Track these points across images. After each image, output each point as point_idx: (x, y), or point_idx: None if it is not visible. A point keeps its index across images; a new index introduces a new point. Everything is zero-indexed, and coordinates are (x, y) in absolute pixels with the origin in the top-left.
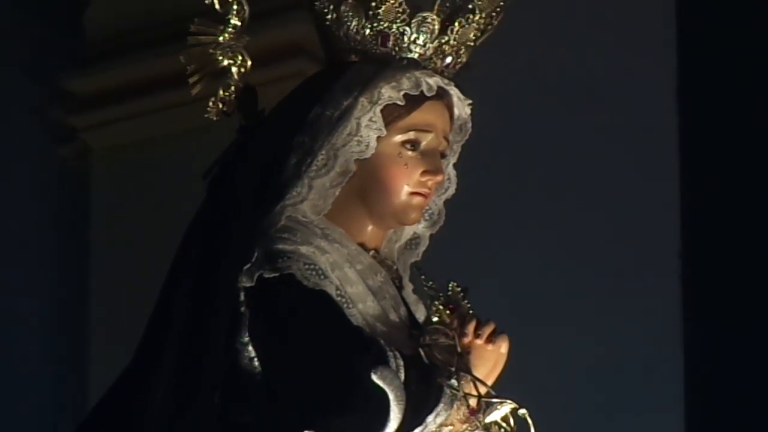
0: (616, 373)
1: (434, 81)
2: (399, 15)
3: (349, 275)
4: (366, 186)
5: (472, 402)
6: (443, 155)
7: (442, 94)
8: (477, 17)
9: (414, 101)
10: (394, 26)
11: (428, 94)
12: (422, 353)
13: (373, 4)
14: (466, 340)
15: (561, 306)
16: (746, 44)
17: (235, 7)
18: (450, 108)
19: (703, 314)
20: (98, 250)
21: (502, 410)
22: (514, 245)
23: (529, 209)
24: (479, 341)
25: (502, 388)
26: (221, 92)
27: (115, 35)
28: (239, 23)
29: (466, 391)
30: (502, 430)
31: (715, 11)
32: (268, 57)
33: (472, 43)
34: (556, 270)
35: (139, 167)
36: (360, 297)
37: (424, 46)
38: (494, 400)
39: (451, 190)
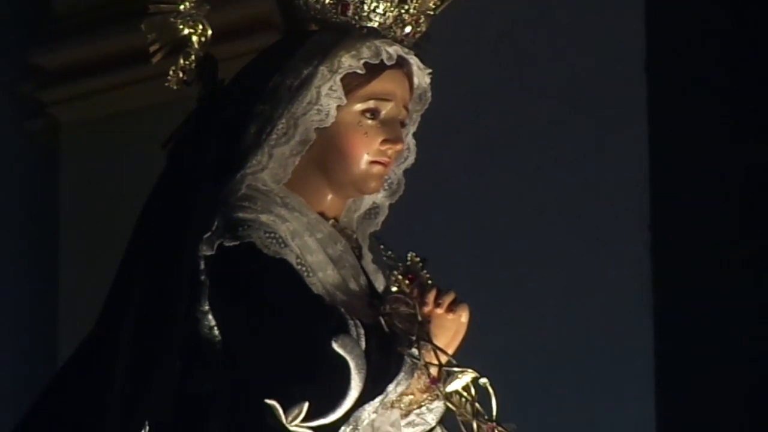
0: (586, 350)
1: (394, 50)
2: None
3: (309, 244)
4: (326, 155)
5: (433, 371)
6: (403, 124)
7: (401, 63)
8: None
9: (374, 70)
10: None
11: (388, 63)
12: (383, 322)
13: None
14: (427, 309)
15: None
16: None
17: None
18: (410, 77)
19: (674, 288)
20: (68, 224)
21: (463, 379)
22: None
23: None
24: (439, 310)
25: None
26: (182, 61)
27: (84, 9)
28: None
29: (427, 360)
30: (463, 399)
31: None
32: (236, 31)
33: (432, 12)
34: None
35: (108, 141)
36: (320, 265)
37: (384, 14)
38: (455, 369)
39: (411, 160)
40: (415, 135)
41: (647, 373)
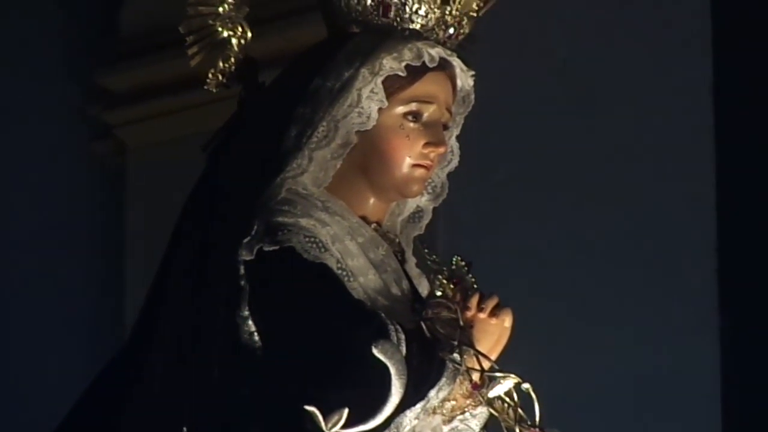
0: (650, 372)
1: (436, 52)
2: None
3: (350, 248)
4: (367, 158)
5: (475, 376)
6: (446, 127)
7: (444, 65)
8: None
9: (416, 72)
10: None
11: (430, 65)
12: (424, 327)
13: None
14: (469, 313)
15: (593, 303)
16: None
17: None
18: (453, 79)
19: (739, 312)
20: (133, 247)
21: (505, 385)
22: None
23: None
24: (482, 315)
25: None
26: (221, 64)
27: (150, 32)
28: None
29: (469, 365)
30: (506, 404)
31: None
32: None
33: (474, 14)
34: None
35: (174, 163)
36: (361, 270)
37: (426, 16)
38: (497, 374)
39: (454, 163)
40: (459, 138)
41: (714, 394)
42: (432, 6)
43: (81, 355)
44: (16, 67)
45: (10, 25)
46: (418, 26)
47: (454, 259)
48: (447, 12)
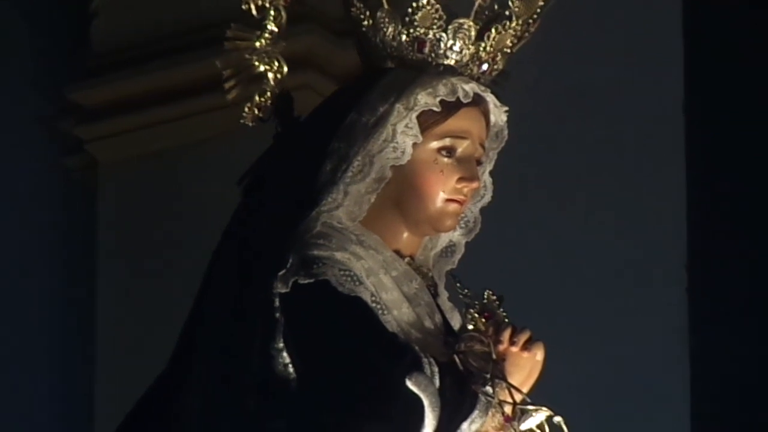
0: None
1: (470, 87)
2: (435, 21)
3: (384, 282)
4: (401, 192)
5: (507, 409)
6: (479, 162)
7: (478, 101)
8: (514, 24)
9: (450, 108)
10: (431, 32)
11: (464, 101)
12: (457, 360)
13: (410, 10)
14: (502, 347)
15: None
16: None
17: (272, 12)
18: (486, 115)
19: (709, 322)
20: (105, 262)
21: (537, 417)
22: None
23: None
24: (515, 348)
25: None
26: (257, 98)
27: (122, 47)
28: (276, 29)
29: (501, 398)
30: None
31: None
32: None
33: (508, 50)
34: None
35: (146, 179)
36: (395, 303)
37: (461, 52)
38: (529, 407)
39: (487, 198)
40: (491, 173)
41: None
42: (466, 42)
43: (53, 374)
44: None
45: None
46: (452, 62)
47: (486, 293)
48: (481, 48)
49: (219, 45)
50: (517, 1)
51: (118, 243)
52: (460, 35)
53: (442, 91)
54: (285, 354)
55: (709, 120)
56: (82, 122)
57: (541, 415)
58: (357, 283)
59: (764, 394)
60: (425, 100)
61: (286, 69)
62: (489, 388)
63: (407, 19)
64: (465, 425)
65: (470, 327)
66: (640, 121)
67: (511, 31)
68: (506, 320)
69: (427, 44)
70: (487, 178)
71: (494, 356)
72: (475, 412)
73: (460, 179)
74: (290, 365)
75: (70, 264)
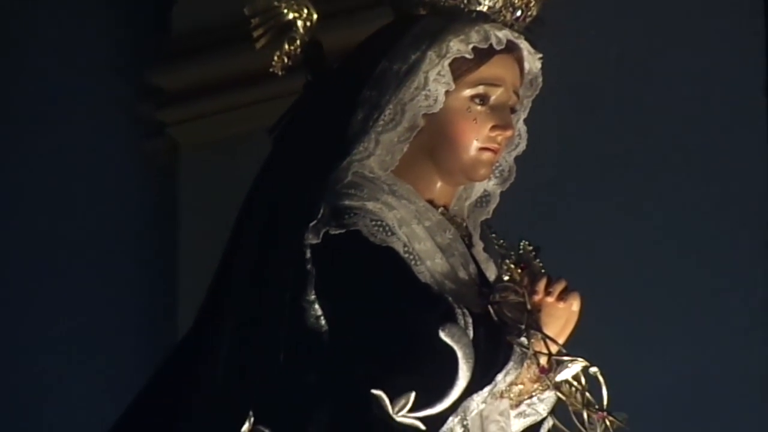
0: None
1: (503, 34)
2: None
3: (417, 232)
4: (434, 141)
5: (543, 360)
6: (513, 110)
7: (511, 48)
8: None
9: (483, 55)
10: None
11: (497, 48)
12: (491, 311)
13: None
14: (537, 297)
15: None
16: None
17: None
18: (520, 62)
19: None
20: (186, 245)
21: (573, 368)
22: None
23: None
24: (550, 299)
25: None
26: (286, 46)
27: (203, 30)
28: None
29: (537, 349)
30: (573, 388)
31: None
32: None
33: None
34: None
35: (226, 163)
36: (428, 254)
37: None
38: (565, 358)
39: (522, 146)
40: (526, 121)
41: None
42: None
43: (135, 355)
44: (68, 66)
45: (62, 24)
46: (485, 8)
47: (522, 243)
48: None
49: None
50: None
51: (200, 226)
52: None
53: (475, 38)
54: (316, 306)
55: None
56: (163, 106)
57: (576, 366)
58: (389, 233)
59: None
60: (457, 47)
61: (315, 16)
62: (524, 339)
63: None
64: (500, 377)
65: (505, 278)
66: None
67: None
68: (542, 271)
69: None
70: (521, 126)
71: (529, 307)
72: (510, 364)
73: (494, 127)
74: (322, 317)
75: (152, 248)
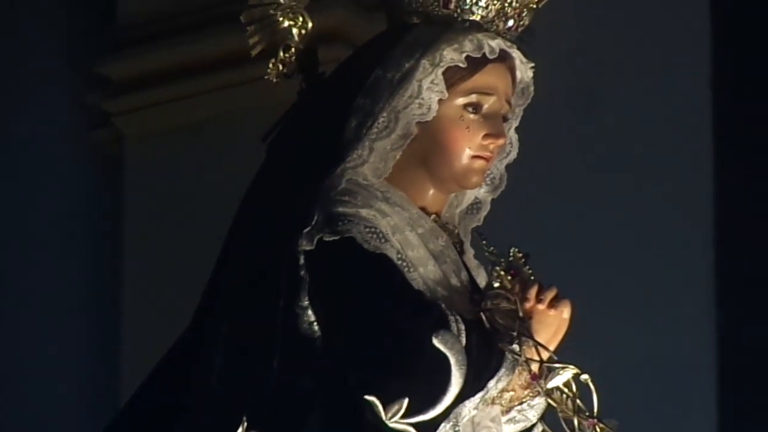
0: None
1: (496, 43)
2: None
3: (410, 239)
4: (427, 149)
5: (534, 367)
6: (505, 119)
7: (504, 57)
8: None
9: (476, 64)
10: None
11: (490, 57)
12: (483, 318)
13: None
14: (528, 305)
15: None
16: None
17: None
18: (512, 71)
19: (736, 302)
20: (131, 235)
21: (564, 375)
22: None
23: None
24: (541, 306)
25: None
26: (282, 54)
27: (149, 21)
28: None
29: (528, 356)
30: (564, 395)
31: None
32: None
33: (534, 6)
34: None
35: (172, 153)
36: (421, 261)
37: (487, 7)
38: (556, 365)
39: (513, 154)
40: (517, 129)
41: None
42: None
43: (79, 342)
44: (14, 57)
45: (8, 14)
46: (478, 17)
47: (512, 250)
48: (507, 3)
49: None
50: None
51: (145, 216)
52: None
53: (468, 46)
54: (310, 312)
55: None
56: (109, 96)
57: (567, 373)
58: (382, 240)
59: None
60: (451, 55)
61: (310, 24)
62: (516, 346)
63: None
64: (491, 383)
65: (496, 285)
66: (670, 97)
67: None
68: (532, 278)
69: (453, 0)
70: (512, 135)
71: (521, 314)
72: (502, 370)
73: (486, 135)
74: (315, 323)
75: (97, 237)
